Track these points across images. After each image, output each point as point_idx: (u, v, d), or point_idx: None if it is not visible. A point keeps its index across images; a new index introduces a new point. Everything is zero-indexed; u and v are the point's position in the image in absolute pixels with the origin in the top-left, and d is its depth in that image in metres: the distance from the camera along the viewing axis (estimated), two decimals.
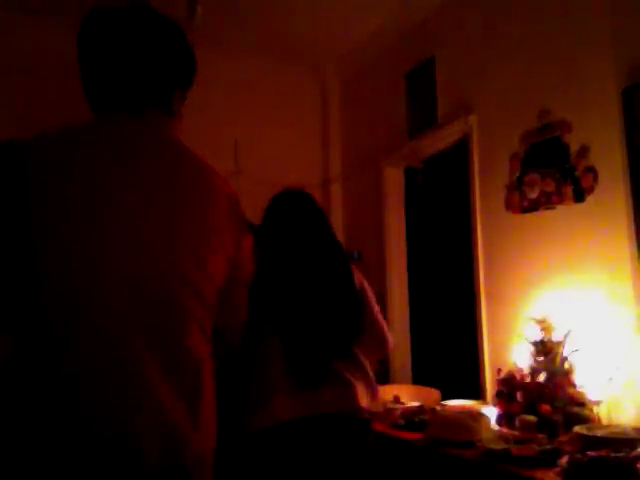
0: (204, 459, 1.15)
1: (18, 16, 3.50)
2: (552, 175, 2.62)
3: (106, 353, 1.02)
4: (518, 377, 2.46)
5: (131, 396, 1.03)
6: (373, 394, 2.12)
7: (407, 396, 2.94)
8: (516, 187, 2.83)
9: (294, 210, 2.24)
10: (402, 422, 2.54)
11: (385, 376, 3.72)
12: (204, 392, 1.13)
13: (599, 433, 1.93)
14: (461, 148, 3.26)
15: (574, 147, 2.53)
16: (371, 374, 2.16)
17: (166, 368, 1.07)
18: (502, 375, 2.54)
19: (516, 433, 2.21)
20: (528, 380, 2.42)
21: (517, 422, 2.27)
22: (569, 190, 2.54)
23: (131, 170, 1.12)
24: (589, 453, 1.73)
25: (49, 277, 1.02)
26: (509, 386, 2.44)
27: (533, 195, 2.72)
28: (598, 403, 2.23)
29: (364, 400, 2.03)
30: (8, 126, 3.34)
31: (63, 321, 1.02)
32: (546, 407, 2.23)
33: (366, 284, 2.26)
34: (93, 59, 1.20)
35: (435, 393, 3.06)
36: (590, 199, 2.46)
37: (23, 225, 1.03)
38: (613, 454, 1.69)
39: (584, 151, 2.48)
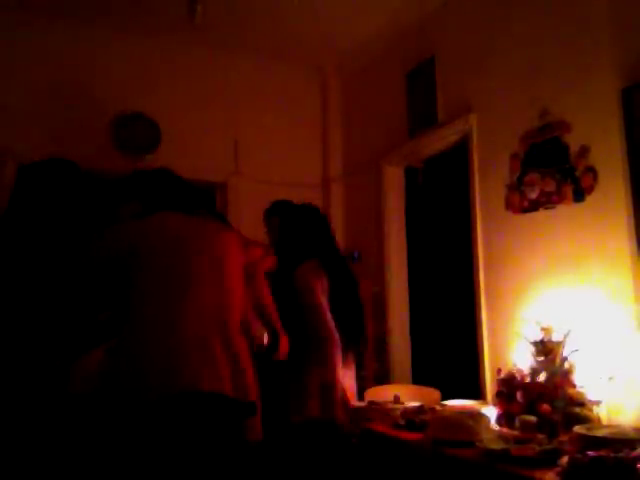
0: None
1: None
2: (552, 175, 2.62)
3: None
4: (518, 377, 2.46)
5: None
6: None
7: (407, 396, 2.94)
8: (516, 187, 2.83)
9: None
10: (402, 422, 2.54)
11: (385, 376, 3.72)
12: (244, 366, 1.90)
13: (599, 433, 1.93)
14: (461, 148, 3.26)
15: (574, 147, 2.53)
16: None
17: (224, 349, 1.83)
18: (502, 375, 2.54)
19: (516, 433, 2.21)
20: (528, 380, 2.42)
21: (517, 422, 2.27)
22: (569, 190, 2.54)
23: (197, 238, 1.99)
24: (589, 453, 1.72)
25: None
26: (509, 386, 2.44)
27: (533, 195, 2.72)
28: (598, 403, 2.23)
29: None
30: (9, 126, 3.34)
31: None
32: (546, 407, 2.23)
33: None
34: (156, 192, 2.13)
35: (435, 393, 3.05)
36: (590, 199, 2.46)
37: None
38: (613, 454, 1.69)
39: (584, 151, 2.48)
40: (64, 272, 1.86)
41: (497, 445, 2.04)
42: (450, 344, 3.52)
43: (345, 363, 2.61)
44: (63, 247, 1.92)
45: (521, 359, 2.53)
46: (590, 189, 2.45)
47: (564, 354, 2.37)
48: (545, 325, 2.44)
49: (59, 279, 1.86)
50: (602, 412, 2.22)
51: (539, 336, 2.44)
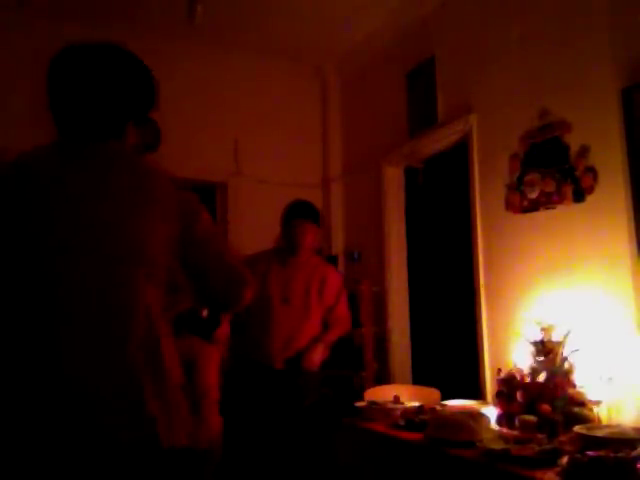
0: None
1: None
2: (552, 175, 2.62)
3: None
4: (518, 377, 2.46)
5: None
6: None
7: (407, 396, 2.94)
8: (516, 187, 2.83)
9: None
10: (402, 422, 2.54)
11: (385, 376, 3.73)
12: None
13: (599, 433, 1.93)
14: (461, 148, 3.25)
15: (574, 147, 2.53)
16: None
17: (153, 385, 1.33)
18: (502, 375, 2.54)
19: (516, 433, 2.20)
20: (528, 380, 2.42)
21: (517, 422, 2.27)
22: (569, 190, 2.54)
23: (95, 181, 1.38)
24: (589, 453, 1.73)
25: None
26: (509, 386, 2.44)
27: (533, 195, 2.72)
28: (598, 403, 2.22)
29: None
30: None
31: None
32: (546, 407, 2.23)
33: None
34: (60, 96, 1.49)
35: (435, 393, 3.05)
36: (590, 199, 2.46)
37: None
38: (613, 454, 1.69)
39: (584, 151, 2.48)
40: None
41: (497, 445, 2.04)
42: (450, 344, 3.52)
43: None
44: None
45: (521, 359, 2.53)
46: (590, 189, 2.45)
47: (564, 354, 2.37)
48: (545, 325, 2.44)
49: None
50: (602, 412, 2.22)
51: (539, 336, 2.44)
